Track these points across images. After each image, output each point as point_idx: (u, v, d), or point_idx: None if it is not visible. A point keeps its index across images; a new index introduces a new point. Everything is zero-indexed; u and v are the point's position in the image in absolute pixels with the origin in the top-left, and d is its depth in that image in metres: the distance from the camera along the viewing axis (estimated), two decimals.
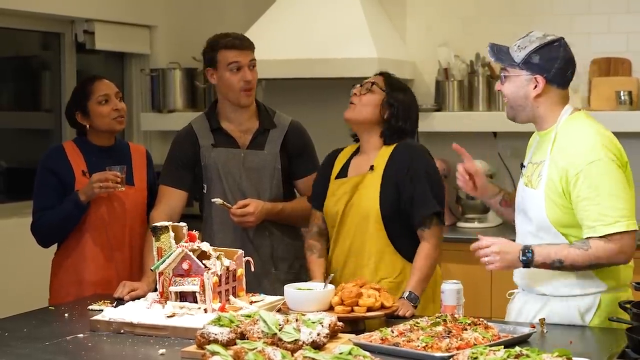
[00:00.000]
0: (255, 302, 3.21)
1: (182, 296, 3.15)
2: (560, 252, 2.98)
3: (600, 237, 2.94)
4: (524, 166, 3.21)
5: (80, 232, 3.80)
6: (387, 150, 3.49)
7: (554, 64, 3.03)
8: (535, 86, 3.05)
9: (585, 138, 2.99)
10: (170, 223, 3.30)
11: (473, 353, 2.49)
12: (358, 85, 3.55)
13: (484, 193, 3.33)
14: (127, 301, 3.38)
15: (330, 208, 3.56)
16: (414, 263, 3.39)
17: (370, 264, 3.39)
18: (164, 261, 3.17)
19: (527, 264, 3.01)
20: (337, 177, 3.60)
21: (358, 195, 3.49)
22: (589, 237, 2.95)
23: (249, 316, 2.82)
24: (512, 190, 3.34)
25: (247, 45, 3.79)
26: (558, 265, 2.99)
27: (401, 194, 3.42)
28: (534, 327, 2.93)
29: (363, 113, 3.51)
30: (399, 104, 3.50)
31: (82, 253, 3.79)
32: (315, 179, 3.71)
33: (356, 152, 3.62)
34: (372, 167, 3.49)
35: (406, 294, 3.29)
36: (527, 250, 3.00)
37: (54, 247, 3.91)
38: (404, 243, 3.45)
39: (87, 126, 3.85)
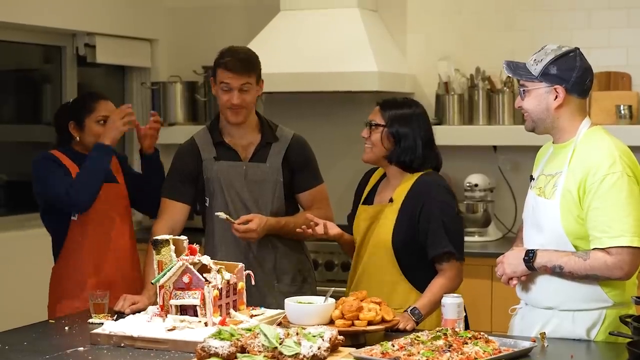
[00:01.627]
0: (255, 315, 3.21)
1: (183, 310, 3.15)
2: (561, 259, 3.01)
3: (602, 249, 2.95)
4: (534, 178, 3.22)
5: (79, 237, 3.82)
6: (408, 183, 3.48)
7: (572, 74, 3.06)
8: (556, 97, 3.07)
9: (604, 151, 3.02)
10: (171, 236, 3.30)
11: None
12: (366, 128, 3.55)
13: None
14: (128, 314, 3.38)
15: (354, 233, 3.61)
16: (428, 287, 3.39)
17: (383, 294, 3.39)
18: (164, 274, 3.17)
19: (530, 263, 3.06)
20: (363, 203, 3.62)
21: (376, 225, 3.50)
22: (594, 248, 2.97)
23: (249, 330, 2.82)
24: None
25: (243, 70, 3.72)
26: (558, 271, 3.03)
27: (417, 230, 3.43)
28: (534, 341, 2.93)
29: (375, 153, 3.52)
30: (399, 136, 3.47)
31: (82, 256, 3.81)
32: (354, 199, 3.71)
33: (385, 174, 3.63)
34: (391, 200, 3.49)
35: (410, 309, 3.29)
36: (530, 251, 3.07)
37: (50, 257, 3.92)
38: (420, 276, 3.44)
39: (77, 138, 3.86)
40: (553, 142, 3.19)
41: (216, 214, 3.69)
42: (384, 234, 3.46)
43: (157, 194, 3.87)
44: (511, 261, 3.12)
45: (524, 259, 3.07)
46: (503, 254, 3.19)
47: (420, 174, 3.50)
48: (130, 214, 3.99)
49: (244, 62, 3.76)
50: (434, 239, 3.39)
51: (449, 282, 3.38)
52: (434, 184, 3.48)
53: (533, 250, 3.07)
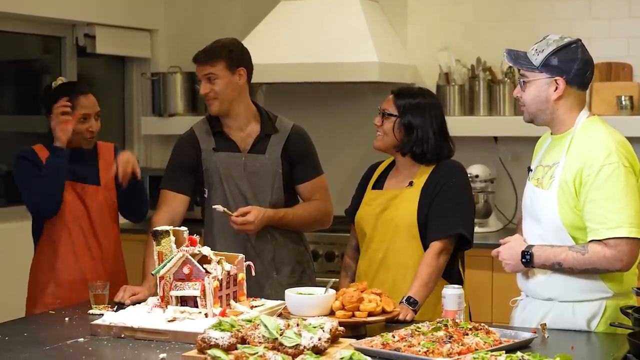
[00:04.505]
0: (256, 306, 3.21)
1: (183, 301, 3.15)
2: (559, 256, 3.01)
3: (600, 240, 2.95)
4: (531, 169, 3.21)
5: (53, 231, 3.81)
6: (428, 169, 3.48)
7: (573, 65, 3.05)
8: (556, 88, 3.06)
9: (601, 142, 3.01)
10: (171, 227, 3.30)
11: (474, 358, 2.49)
12: (378, 115, 3.54)
13: None
14: (128, 305, 3.38)
15: (364, 217, 3.56)
16: (417, 272, 3.36)
17: (407, 277, 3.39)
18: (164, 265, 3.17)
19: (528, 265, 3.06)
20: (373, 188, 3.60)
21: (393, 207, 3.48)
22: (592, 241, 2.96)
23: (249, 321, 2.82)
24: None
25: (204, 61, 3.74)
26: (557, 268, 3.02)
27: (430, 208, 3.41)
28: (535, 332, 2.93)
29: (386, 141, 3.51)
30: (411, 128, 3.46)
31: (56, 252, 3.81)
32: (355, 193, 3.70)
33: (393, 164, 3.62)
34: (411, 183, 3.48)
35: (404, 298, 3.28)
36: (526, 253, 3.05)
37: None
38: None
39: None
40: (551, 133, 3.18)
41: (213, 207, 3.68)
42: (407, 215, 3.43)
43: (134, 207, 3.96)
44: (509, 261, 3.11)
45: (521, 260, 3.06)
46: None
47: (436, 162, 3.49)
48: (116, 214, 3.94)
49: (205, 53, 3.77)
50: (447, 218, 3.38)
51: (435, 262, 3.34)
52: (455, 168, 3.50)
53: (529, 251, 3.05)
